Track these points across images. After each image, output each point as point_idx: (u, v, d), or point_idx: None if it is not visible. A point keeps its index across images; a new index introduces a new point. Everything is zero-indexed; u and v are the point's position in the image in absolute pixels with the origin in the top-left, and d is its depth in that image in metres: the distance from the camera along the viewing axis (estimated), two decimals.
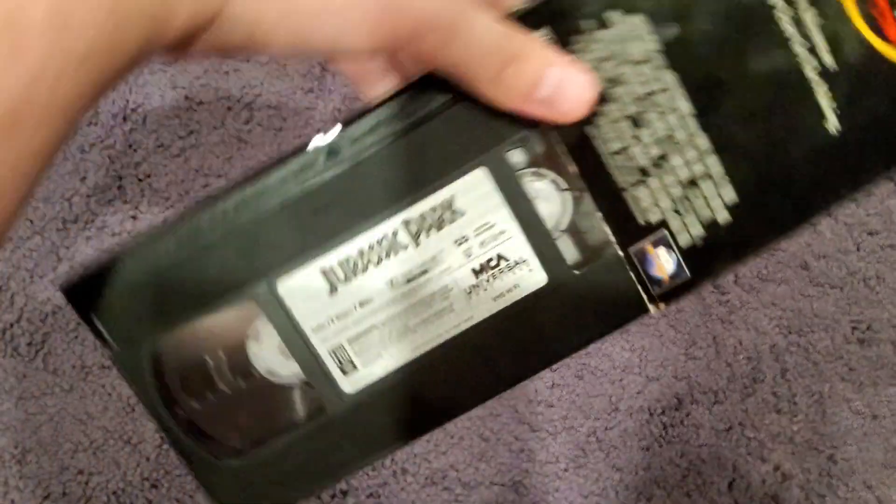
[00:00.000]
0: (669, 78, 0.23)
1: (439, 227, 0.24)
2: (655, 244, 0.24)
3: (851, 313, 0.54)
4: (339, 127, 0.23)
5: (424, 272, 0.24)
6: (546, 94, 0.22)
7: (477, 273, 0.24)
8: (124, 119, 0.59)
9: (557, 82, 0.22)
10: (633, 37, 0.23)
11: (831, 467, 0.52)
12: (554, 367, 0.53)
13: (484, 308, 0.25)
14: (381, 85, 0.28)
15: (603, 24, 0.23)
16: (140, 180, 0.58)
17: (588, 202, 0.24)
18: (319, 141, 0.23)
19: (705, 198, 0.24)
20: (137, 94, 0.60)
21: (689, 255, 0.25)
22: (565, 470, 0.51)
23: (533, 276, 0.25)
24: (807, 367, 0.54)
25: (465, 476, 0.51)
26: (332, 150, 0.23)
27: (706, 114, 0.24)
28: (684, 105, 0.23)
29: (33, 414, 0.53)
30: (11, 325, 0.55)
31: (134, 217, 0.57)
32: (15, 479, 0.52)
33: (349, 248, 0.24)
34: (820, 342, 0.54)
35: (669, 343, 0.54)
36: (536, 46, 0.22)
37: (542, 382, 0.53)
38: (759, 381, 0.53)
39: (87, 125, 0.59)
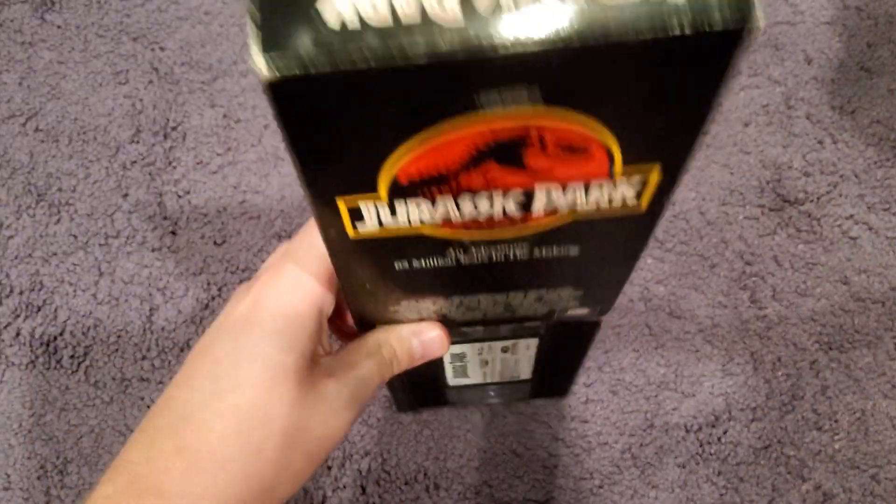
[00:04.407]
0: None
1: None
2: None
3: (894, 329, 0.53)
4: None
5: None
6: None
7: None
8: (165, 137, 0.61)
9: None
10: None
11: (874, 487, 0.50)
12: (588, 383, 0.53)
13: None
14: None
15: None
16: (179, 196, 0.59)
17: None
18: None
19: None
20: (177, 113, 0.61)
21: None
22: (600, 486, 0.51)
23: None
24: (848, 384, 0.52)
25: (498, 492, 0.51)
26: None
27: None
28: None
29: (75, 425, 0.54)
30: (55, 338, 0.56)
31: (173, 232, 0.58)
32: (57, 489, 0.53)
33: None
34: (862, 358, 0.53)
35: (706, 359, 0.53)
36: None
37: (575, 398, 0.53)
38: (798, 398, 0.52)
39: (129, 143, 0.61)
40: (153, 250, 0.58)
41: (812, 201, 0.57)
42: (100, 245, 0.58)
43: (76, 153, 0.61)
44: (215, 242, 0.58)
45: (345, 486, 0.51)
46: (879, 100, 0.59)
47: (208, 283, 0.56)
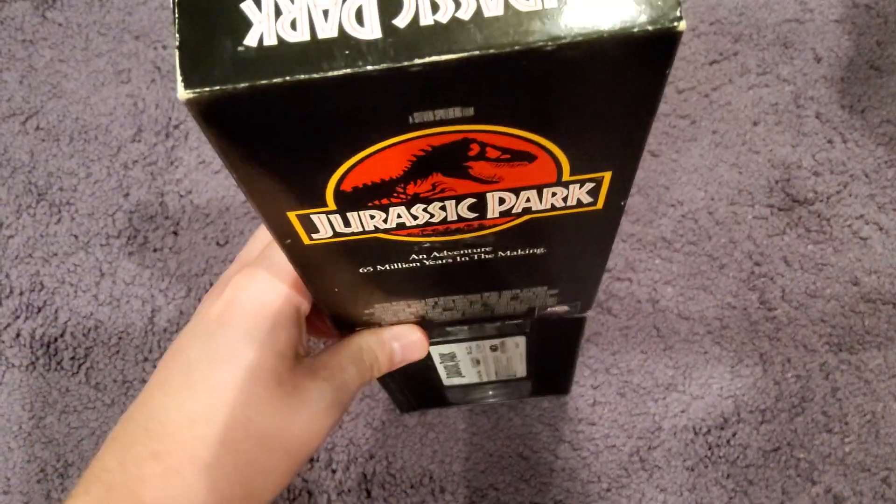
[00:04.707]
0: None
1: None
2: None
3: None
4: None
5: None
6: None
7: None
8: (167, 136, 0.60)
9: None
10: None
11: (885, 490, 0.50)
12: (595, 385, 0.52)
13: None
14: None
15: None
16: (181, 196, 0.58)
17: None
18: None
19: None
20: (180, 112, 0.61)
21: None
22: (607, 490, 0.50)
23: None
24: (858, 385, 0.52)
25: (504, 496, 0.50)
26: None
27: None
28: None
29: (75, 428, 0.53)
30: (55, 340, 0.55)
31: (175, 233, 0.57)
32: (57, 492, 0.52)
33: None
34: (872, 360, 0.52)
35: (714, 360, 0.53)
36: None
37: (583, 400, 0.52)
38: (808, 400, 0.52)
39: (131, 142, 0.60)
40: (155, 251, 0.57)
41: (822, 201, 0.56)
42: (101, 245, 0.57)
43: (77, 152, 0.60)
44: (218, 243, 0.57)
45: (349, 490, 0.51)
46: (889, 99, 0.58)
47: (211, 285, 0.56)
